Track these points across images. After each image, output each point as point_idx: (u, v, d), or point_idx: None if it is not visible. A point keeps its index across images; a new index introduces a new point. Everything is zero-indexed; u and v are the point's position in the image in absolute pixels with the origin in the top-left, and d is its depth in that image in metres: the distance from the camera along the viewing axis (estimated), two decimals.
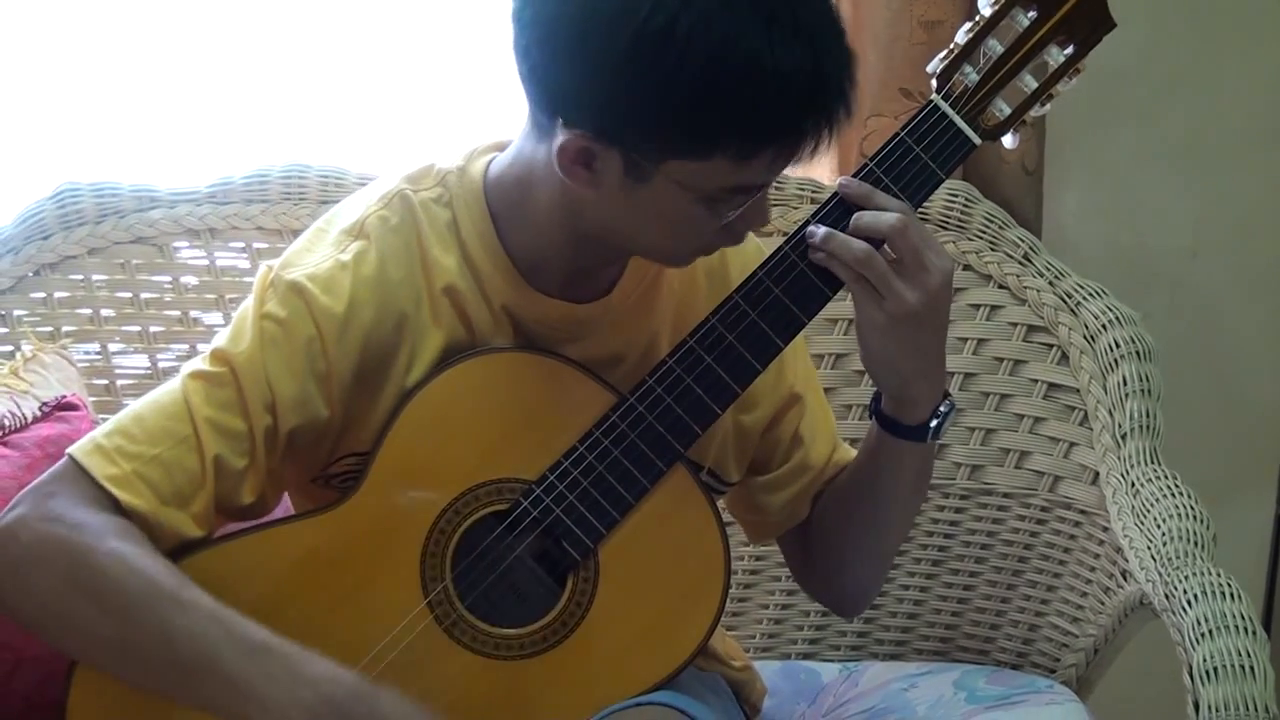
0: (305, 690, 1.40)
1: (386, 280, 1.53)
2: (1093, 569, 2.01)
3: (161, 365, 2.05)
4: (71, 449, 1.50)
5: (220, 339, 1.53)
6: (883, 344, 1.52)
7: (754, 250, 1.64)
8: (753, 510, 1.73)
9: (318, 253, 1.55)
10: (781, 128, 1.41)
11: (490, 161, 1.56)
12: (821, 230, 1.51)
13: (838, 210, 1.53)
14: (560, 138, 1.43)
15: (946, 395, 1.58)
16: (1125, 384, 1.98)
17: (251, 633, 1.42)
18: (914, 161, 1.53)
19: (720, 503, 1.66)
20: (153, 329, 2.06)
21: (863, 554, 1.70)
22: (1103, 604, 1.98)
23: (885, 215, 1.50)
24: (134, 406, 1.53)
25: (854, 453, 1.71)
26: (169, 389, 1.52)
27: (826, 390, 1.82)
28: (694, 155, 1.41)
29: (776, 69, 1.37)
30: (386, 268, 1.54)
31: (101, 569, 1.43)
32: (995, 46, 1.54)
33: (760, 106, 1.38)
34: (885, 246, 1.50)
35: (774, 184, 1.98)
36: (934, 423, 1.57)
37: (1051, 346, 2.05)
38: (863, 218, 1.51)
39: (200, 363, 1.53)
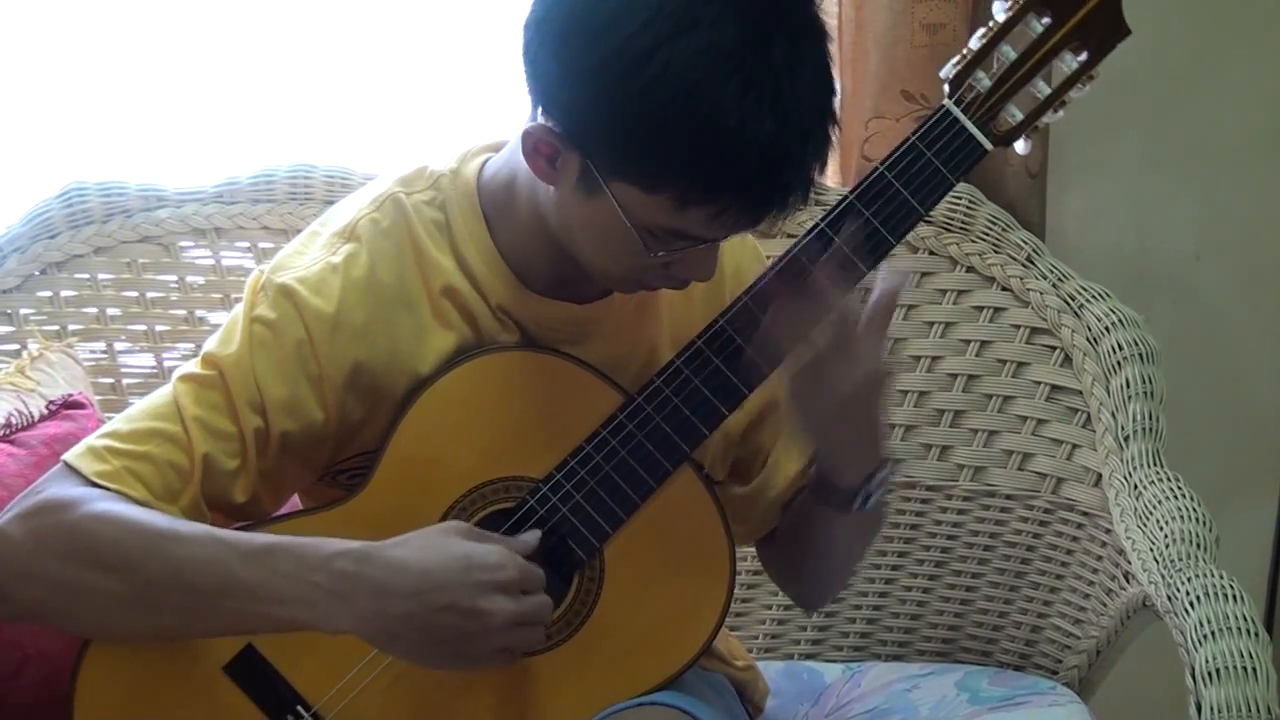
0: (318, 574, 1.42)
1: (377, 282, 1.54)
2: (1095, 571, 2.01)
3: (167, 364, 2.05)
4: (65, 455, 1.51)
5: (211, 342, 1.54)
6: (823, 422, 1.50)
7: (751, 252, 1.65)
8: (733, 514, 1.71)
9: (308, 256, 1.55)
10: (727, 190, 1.38)
11: (485, 163, 1.57)
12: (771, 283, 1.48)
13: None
14: (528, 126, 1.43)
15: (884, 466, 1.55)
16: (1128, 386, 1.98)
17: (253, 539, 1.45)
18: (925, 166, 1.53)
19: None
20: (159, 328, 2.06)
21: (806, 579, 1.73)
22: (1105, 606, 1.98)
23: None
24: (125, 412, 1.54)
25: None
26: (161, 393, 1.54)
27: None
28: (639, 184, 1.40)
29: (737, 132, 1.35)
30: (377, 270, 1.54)
31: (92, 532, 1.45)
32: (1009, 52, 1.54)
33: (707, 162, 1.37)
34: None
35: None
36: (859, 499, 1.55)
37: (1054, 349, 2.05)
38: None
39: (191, 366, 1.54)
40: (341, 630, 1.43)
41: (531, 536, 1.49)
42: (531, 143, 1.43)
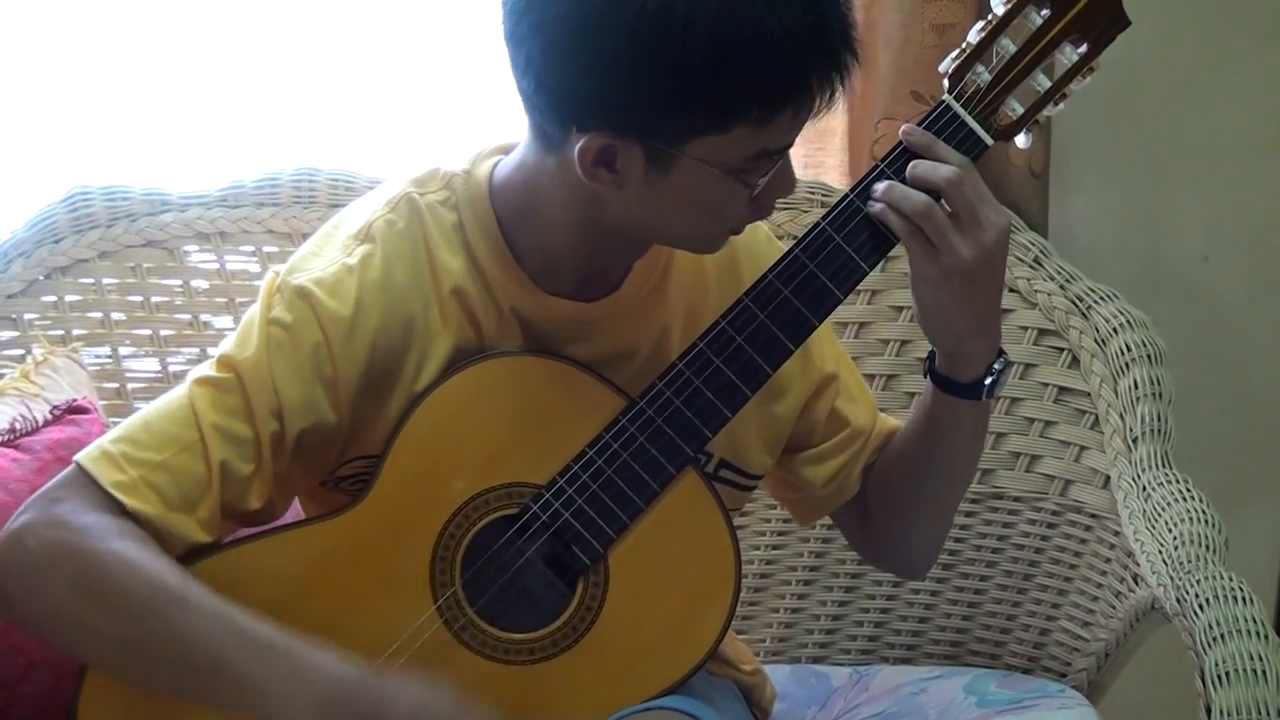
0: (312, 685, 1.41)
1: (393, 284, 1.53)
2: (1104, 573, 2.01)
3: (172, 369, 2.05)
4: (78, 456, 1.50)
5: (226, 345, 1.54)
6: (936, 300, 1.53)
7: (764, 240, 1.64)
8: (795, 489, 1.73)
9: (324, 258, 1.55)
10: (795, 83, 1.41)
11: (495, 165, 1.56)
12: (884, 184, 1.51)
13: (899, 162, 1.52)
14: (578, 143, 1.43)
15: (1002, 353, 1.58)
16: (1136, 387, 1.97)
17: (257, 630, 1.43)
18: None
19: (761, 489, 1.67)
20: (163, 332, 2.06)
21: (926, 516, 1.72)
22: (1114, 608, 1.97)
23: (942, 167, 1.50)
24: (141, 413, 1.53)
25: (897, 423, 1.72)
26: (176, 395, 1.52)
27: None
28: (715, 130, 1.41)
29: (781, 28, 1.37)
30: (393, 272, 1.54)
31: (106, 572, 1.44)
32: (1008, 46, 1.53)
33: (772, 68, 1.39)
34: (942, 201, 1.50)
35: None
36: (989, 380, 1.58)
37: (1062, 350, 2.05)
38: (919, 166, 1.51)
39: (206, 369, 1.53)
40: None
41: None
42: (588, 160, 1.43)
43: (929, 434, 1.64)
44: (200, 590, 1.45)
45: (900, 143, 1.54)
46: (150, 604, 1.44)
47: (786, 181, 1.50)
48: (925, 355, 1.61)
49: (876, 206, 1.51)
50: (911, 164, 1.51)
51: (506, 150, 1.57)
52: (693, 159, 1.42)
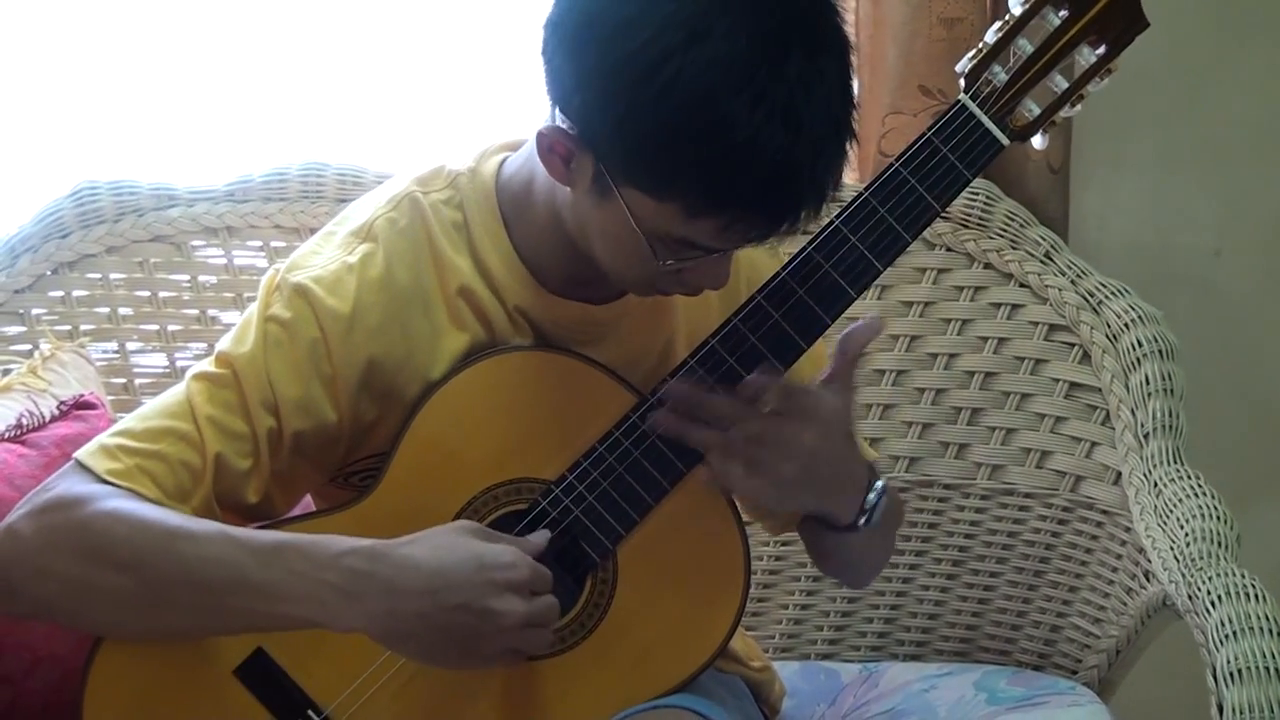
0: (329, 571, 1.42)
1: (394, 283, 1.53)
2: (1115, 570, 2.00)
3: (179, 364, 2.05)
4: (76, 453, 1.51)
5: (225, 341, 1.54)
6: (779, 499, 1.53)
7: (764, 253, 1.64)
8: (762, 510, 1.71)
9: (324, 255, 1.55)
10: (736, 202, 1.37)
11: (503, 162, 1.56)
12: (659, 417, 1.49)
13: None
14: (546, 122, 1.42)
15: (872, 483, 1.55)
16: (1148, 383, 1.97)
17: (264, 537, 1.45)
18: (941, 162, 1.52)
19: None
20: (171, 328, 2.06)
21: (842, 574, 1.77)
22: (1125, 605, 1.97)
23: (709, 434, 1.49)
24: (138, 410, 1.54)
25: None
26: (174, 391, 1.53)
27: None
28: (649, 192, 1.39)
29: (749, 143, 1.34)
30: (393, 270, 1.53)
31: (104, 530, 1.45)
32: (1025, 46, 1.52)
33: (716, 174, 1.35)
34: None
35: None
36: (863, 520, 1.55)
37: (1073, 345, 2.04)
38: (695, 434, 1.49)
39: (205, 365, 1.53)
40: (352, 628, 1.43)
41: (540, 537, 1.49)
42: (547, 143, 1.43)
43: (824, 552, 1.66)
44: (201, 522, 1.46)
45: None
46: (153, 546, 1.44)
47: (714, 279, 1.47)
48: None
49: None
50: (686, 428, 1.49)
51: (514, 147, 1.57)
52: (624, 203, 1.41)
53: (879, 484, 1.55)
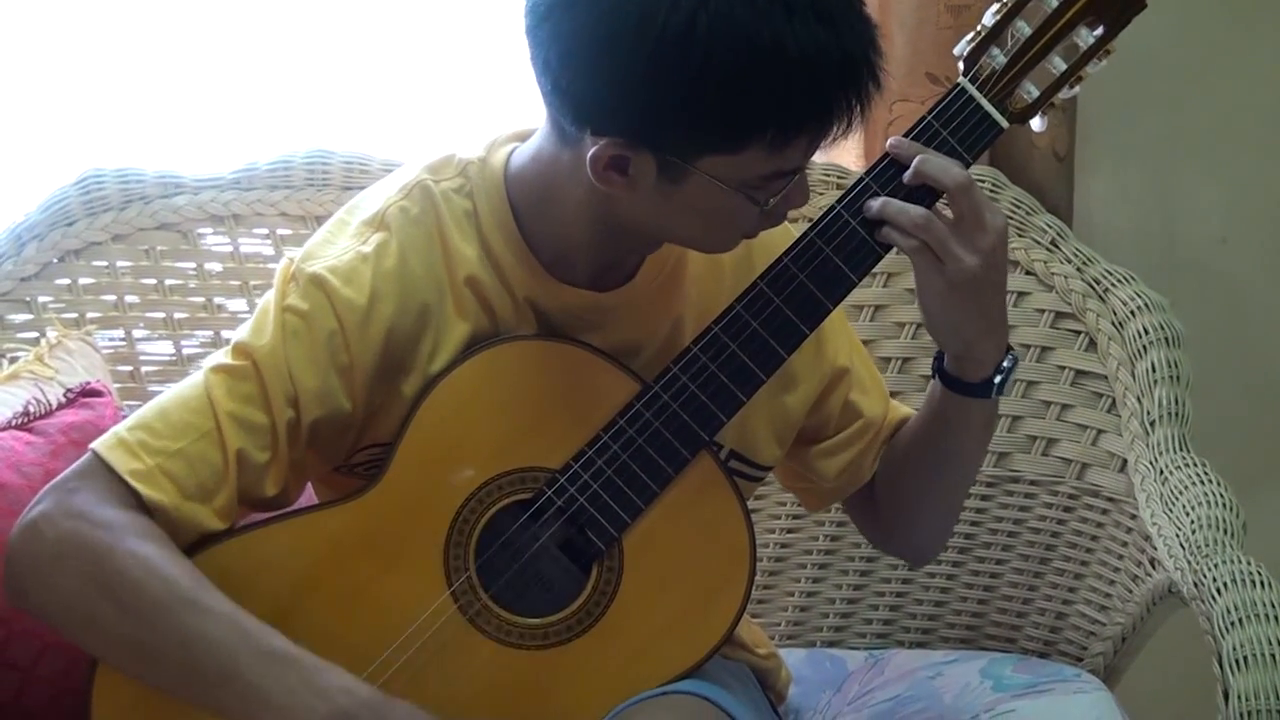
0: (321, 701, 1.40)
1: (408, 272, 1.53)
2: (1120, 557, 2.00)
3: (186, 352, 2.05)
4: (95, 444, 1.50)
5: (242, 332, 1.53)
6: (944, 309, 1.53)
7: (780, 232, 1.64)
8: (806, 479, 1.73)
9: (339, 244, 1.55)
10: (813, 111, 1.41)
11: (511, 152, 1.56)
12: (879, 200, 1.51)
13: (888, 173, 1.52)
14: (591, 148, 1.43)
15: (1010, 349, 1.59)
16: (1154, 370, 1.97)
17: (269, 641, 1.43)
18: (941, 145, 1.52)
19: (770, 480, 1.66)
20: (177, 315, 2.06)
21: (934, 507, 1.72)
22: (1131, 592, 1.97)
23: (953, 168, 1.50)
24: (157, 400, 1.53)
25: (908, 410, 1.72)
26: (192, 383, 1.52)
27: (866, 343, 1.82)
28: (728, 149, 1.41)
29: (802, 54, 1.37)
30: (407, 259, 1.53)
31: (122, 570, 1.44)
32: (1023, 28, 1.53)
33: (791, 93, 1.38)
34: (944, 207, 1.50)
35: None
36: (998, 378, 1.58)
37: (1079, 333, 2.04)
38: (929, 163, 1.50)
39: (222, 356, 1.53)
40: None
41: None
42: (600, 166, 1.43)
43: (938, 430, 1.64)
44: (214, 595, 1.44)
45: (885, 155, 1.53)
46: (163, 607, 1.43)
47: (800, 196, 1.50)
48: (935, 353, 1.61)
49: (880, 229, 1.51)
50: (920, 159, 1.51)
51: (523, 137, 1.57)
52: (703, 175, 1.42)
53: (1013, 353, 1.59)
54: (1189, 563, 1.73)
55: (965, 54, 1.54)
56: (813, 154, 1.46)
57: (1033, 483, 2.07)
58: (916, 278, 1.53)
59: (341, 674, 1.42)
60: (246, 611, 1.44)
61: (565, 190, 1.50)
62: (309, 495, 1.63)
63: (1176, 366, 1.96)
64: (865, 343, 1.80)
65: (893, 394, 1.76)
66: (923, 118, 1.53)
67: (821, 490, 1.74)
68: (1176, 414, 1.95)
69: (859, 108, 1.43)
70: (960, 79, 1.53)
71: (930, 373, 1.63)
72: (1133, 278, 2.02)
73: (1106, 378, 2.01)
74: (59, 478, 1.49)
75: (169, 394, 1.53)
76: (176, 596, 1.43)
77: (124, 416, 1.57)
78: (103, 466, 1.48)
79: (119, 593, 1.43)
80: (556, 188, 1.51)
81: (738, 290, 1.54)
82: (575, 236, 1.53)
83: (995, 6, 1.54)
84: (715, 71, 1.36)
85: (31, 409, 1.78)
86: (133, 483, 1.47)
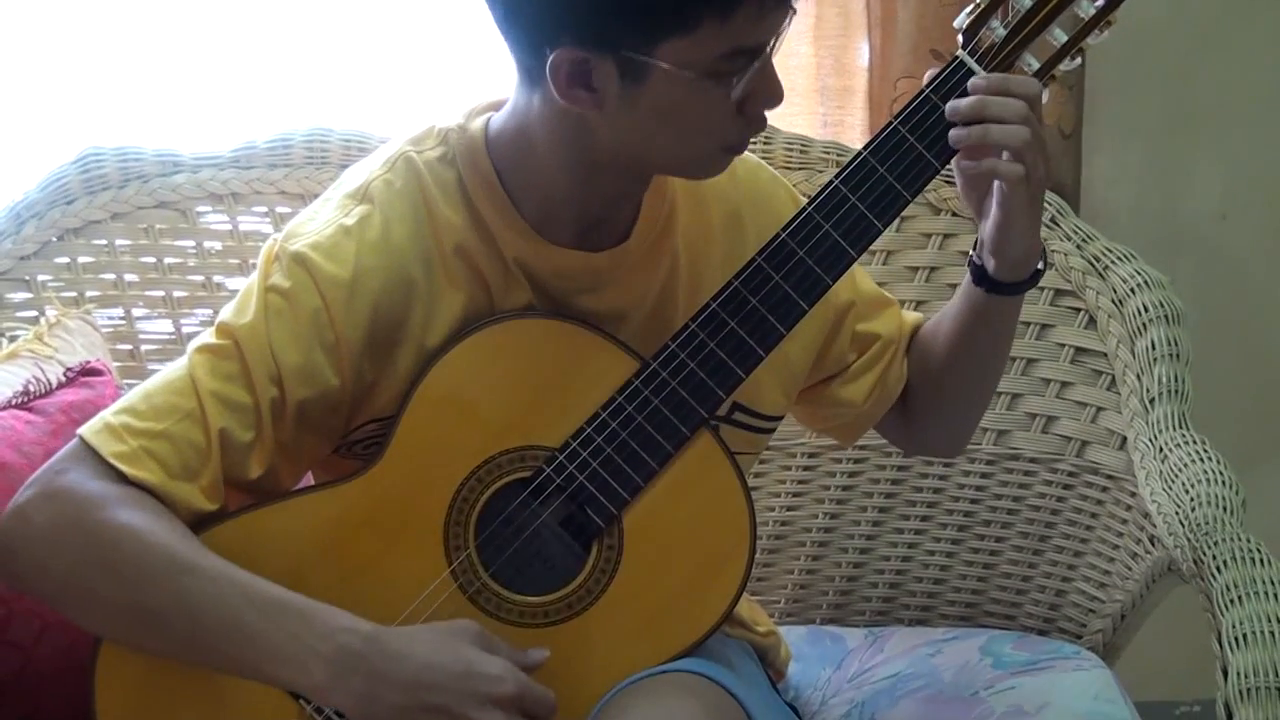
0: (323, 643, 1.41)
1: (392, 244, 1.53)
2: (1120, 534, 2.00)
3: (185, 330, 2.05)
4: (81, 429, 1.50)
5: (226, 312, 1.54)
6: (1026, 215, 1.53)
7: (768, 181, 1.64)
8: (836, 415, 1.73)
9: (319, 219, 1.55)
10: None
11: (489, 120, 1.55)
12: (967, 100, 1.50)
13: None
14: (550, 59, 1.42)
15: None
16: (1154, 348, 1.96)
17: (267, 591, 1.44)
18: (940, 119, 1.52)
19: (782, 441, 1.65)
20: (176, 294, 2.05)
21: (973, 403, 1.76)
22: (1130, 569, 1.97)
23: (1032, 81, 1.51)
24: (142, 385, 1.53)
25: (918, 316, 1.74)
26: (176, 365, 1.53)
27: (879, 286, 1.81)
28: (682, 30, 1.39)
29: None
30: (392, 231, 1.53)
31: (114, 542, 1.44)
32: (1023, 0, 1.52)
33: None
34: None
35: (801, 143, 1.99)
36: (1040, 265, 1.60)
37: (1079, 310, 2.04)
38: (1012, 82, 1.50)
39: (206, 336, 1.53)
40: (330, 703, 1.43)
41: (539, 654, 1.49)
42: (563, 75, 1.43)
43: (982, 333, 1.66)
44: (209, 556, 1.45)
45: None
46: (159, 571, 1.44)
47: (771, 89, 1.47)
48: (969, 262, 1.61)
49: (958, 132, 1.50)
50: (1003, 78, 1.50)
51: (496, 107, 1.57)
52: (665, 66, 1.41)
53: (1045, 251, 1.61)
54: (1188, 540, 1.73)
55: (964, 26, 1.53)
56: (772, 27, 1.43)
57: (1032, 460, 2.07)
58: (1002, 192, 1.52)
59: (341, 614, 1.43)
60: (243, 570, 1.45)
61: (539, 134, 1.50)
62: (308, 478, 1.63)
63: (1176, 344, 1.96)
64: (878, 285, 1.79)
65: None
66: (921, 91, 1.52)
67: (856, 419, 1.74)
68: (1176, 391, 1.94)
69: None
70: (960, 51, 1.53)
71: (971, 280, 1.62)
72: (1133, 255, 2.01)
73: (1106, 355, 2.01)
74: (48, 463, 1.50)
75: (154, 378, 1.53)
76: (171, 560, 1.44)
77: (123, 395, 1.57)
78: (88, 450, 1.49)
79: (115, 563, 1.44)
80: (531, 134, 1.51)
81: (729, 248, 1.54)
82: (558, 186, 1.52)
83: None
84: None
85: (31, 388, 1.78)
86: (117, 464, 1.47)
